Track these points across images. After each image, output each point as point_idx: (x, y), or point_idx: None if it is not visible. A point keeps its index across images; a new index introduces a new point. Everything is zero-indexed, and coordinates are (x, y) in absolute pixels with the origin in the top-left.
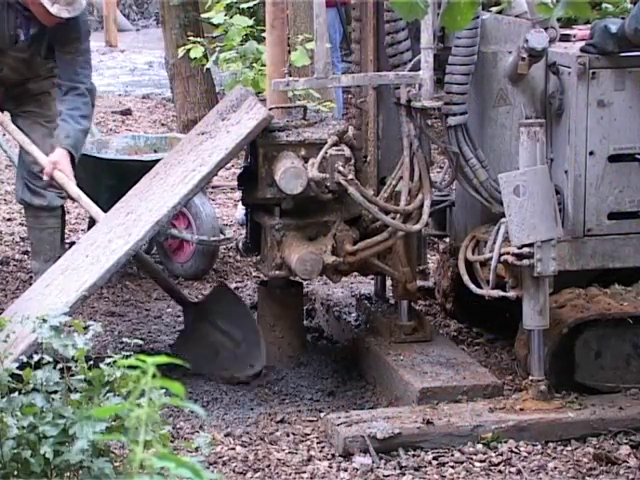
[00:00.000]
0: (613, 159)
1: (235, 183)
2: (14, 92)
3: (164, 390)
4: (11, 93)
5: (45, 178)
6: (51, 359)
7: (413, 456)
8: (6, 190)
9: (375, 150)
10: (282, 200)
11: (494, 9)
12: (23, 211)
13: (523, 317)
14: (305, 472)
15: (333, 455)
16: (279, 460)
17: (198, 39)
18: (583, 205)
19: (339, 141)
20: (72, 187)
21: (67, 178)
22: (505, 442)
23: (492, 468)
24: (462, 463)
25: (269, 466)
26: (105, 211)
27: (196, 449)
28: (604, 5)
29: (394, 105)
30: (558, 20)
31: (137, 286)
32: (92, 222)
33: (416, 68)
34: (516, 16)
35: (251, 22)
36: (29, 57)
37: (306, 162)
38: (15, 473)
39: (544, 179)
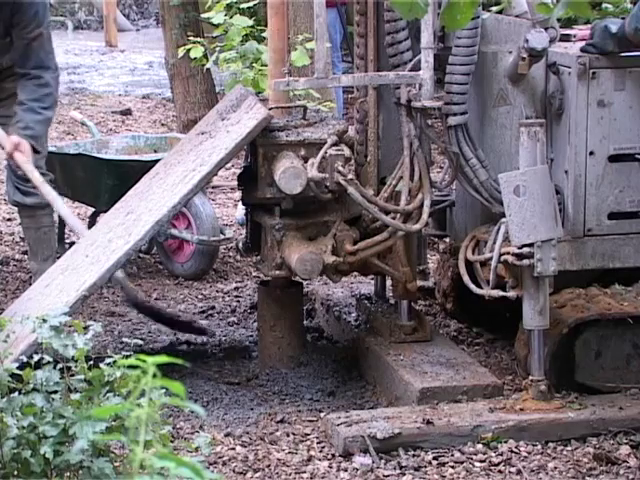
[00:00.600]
0: (613, 159)
1: (235, 183)
2: None
3: (164, 390)
4: None
5: (5, 157)
6: (51, 359)
7: (413, 456)
8: (6, 190)
9: (375, 150)
10: (282, 200)
11: (494, 9)
12: (17, 213)
13: (523, 317)
14: (305, 472)
15: (333, 455)
16: (279, 460)
17: (198, 39)
18: (583, 205)
19: (339, 141)
20: (33, 170)
21: (27, 160)
22: (505, 442)
23: (492, 468)
24: (462, 463)
25: (269, 466)
26: (105, 211)
27: (196, 449)
28: (604, 5)
29: (394, 105)
30: (558, 20)
31: (137, 286)
32: (92, 222)
33: (416, 68)
34: (516, 16)
35: (251, 22)
36: None
37: (306, 162)
38: (15, 473)
39: (544, 179)
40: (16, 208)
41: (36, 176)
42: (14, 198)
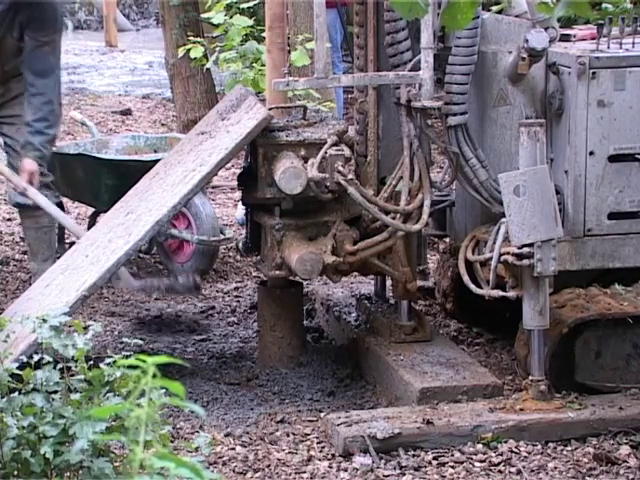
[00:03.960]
0: (613, 159)
1: (235, 183)
2: None
3: (164, 390)
4: None
5: (20, 190)
6: (51, 359)
7: (413, 456)
8: (6, 190)
9: (375, 150)
10: (282, 200)
11: (494, 9)
12: (18, 214)
13: (523, 317)
14: (305, 472)
15: (333, 455)
16: (279, 460)
17: (198, 39)
18: (583, 205)
19: (339, 141)
20: (43, 200)
21: (40, 195)
22: (505, 442)
23: (492, 468)
24: (462, 463)
25: (269, 466)
26: (105, 211)
27: (196, 449)
28: (604, 5)
29: (394, 105)
30: (558, 20)
31: None
32: (92, 222)
33: (416, 68)
34: (516, 16)
35: (251, 22)
36: (1, 36)
37: (306, 162)
38: (15, 473)
39: (544, 179)
40: (16, 209)
41: (40, 199)
42: (16, 200)
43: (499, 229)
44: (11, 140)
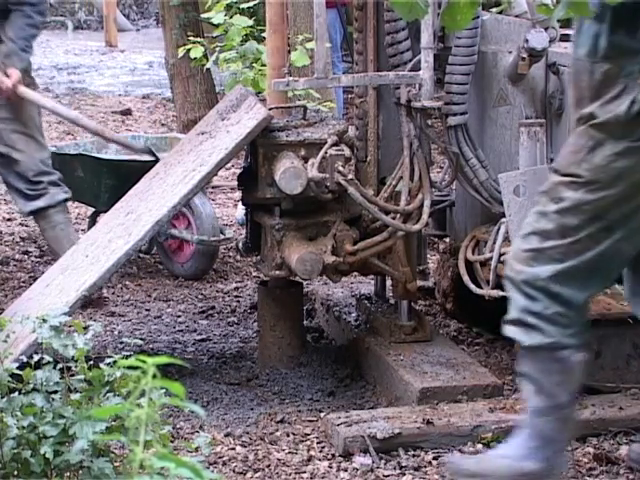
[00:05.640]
0: None
1: (235, 183)
2: None
3: (164, 390)
4: None
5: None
6: (51, 359)
7: (413, 456)
8: (6, 190)
9: (375, 150)
10: (282, 200)
11: (494, 9)
12: (34, 222)
13: None
14: (305, 472)
15: (333, 455)
16: (279, 460)
17: (198, 39)
18: None
19: (339, 141)
20: (39, 97)
21: (32, 91)
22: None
23: None
24: None
25: (269, 466)
26: (105, 211)
27: (196, 449)
28: None
29: (394, 105)
30: (558, 20)
31: (137, 286)
32: (92, 222)
33: (416, 68)
34: (516, 16)
35: (251, 22)
36: None
37: (306, 162)
38: (15, 473)
39: (544, 179)
40: (17, 210)
41: (46, 102)
42: (27, 209)
43: (499, 229)
44: (5, 146)
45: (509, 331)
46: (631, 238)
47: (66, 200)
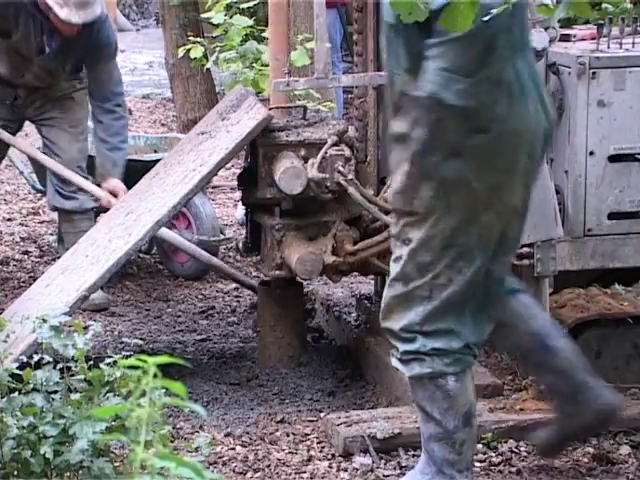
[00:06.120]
0: (613, 159)
1: (235, 183)
2: (35, 96)
3: (165, 390)
4: (32, 97)
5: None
6: (51, 359)
7: (413, 456)
8: (6, 190)
9: (375, 150)
10: (282, 200)
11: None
12: (57, 217)
13: None
14: (305, 472)
15: (333, 455)
16: (279, 460)
17: (198, 39)
18: (583, 205)
19: (339, 141)
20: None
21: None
22: (505, 442)
23: (492, 468)
24: None
25: (269, 466)
26: (105, 211)
27: (196, 449)
28: (604, 5)
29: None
30: (558, 20)
31: (137, 286)
32: None
33: None
34: None
35: (251, 22)
36: (54, 69)
37: (306, 162)
38: (15, 473)
39: (544, 179)
40: (17, 210)
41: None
42: (53, 203)
43: None
44: (50, 142)
45: (393, 362)
46: (496, 259)
47: (93, 208)
